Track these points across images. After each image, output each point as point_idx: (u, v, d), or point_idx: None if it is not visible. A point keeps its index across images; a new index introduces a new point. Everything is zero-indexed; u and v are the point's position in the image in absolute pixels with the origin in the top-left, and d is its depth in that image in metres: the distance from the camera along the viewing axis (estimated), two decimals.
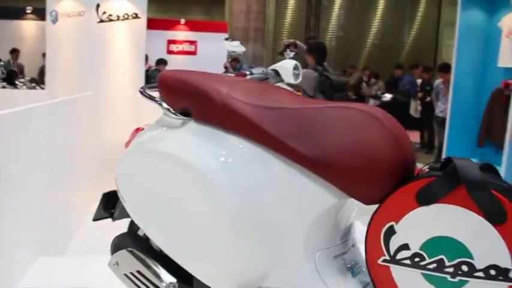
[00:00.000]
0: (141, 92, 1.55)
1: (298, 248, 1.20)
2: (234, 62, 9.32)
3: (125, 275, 1.55)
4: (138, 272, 1.50)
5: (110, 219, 1.89)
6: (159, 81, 1.48)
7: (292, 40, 5.58)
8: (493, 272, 1.00)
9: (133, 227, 1.80)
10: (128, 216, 1.81)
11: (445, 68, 6.22)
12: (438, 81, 6.66)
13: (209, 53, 11.28)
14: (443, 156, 5.46)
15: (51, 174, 2.84)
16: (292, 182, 1.19)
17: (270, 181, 1.21)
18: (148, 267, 1.49)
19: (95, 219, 1.88)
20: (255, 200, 1.21)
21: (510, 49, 4.81)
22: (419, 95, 7.35)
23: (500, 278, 1.00)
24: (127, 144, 1.76)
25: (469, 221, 1.02)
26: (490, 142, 5.18)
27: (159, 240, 1.45)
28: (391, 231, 1.11)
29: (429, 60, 16.24)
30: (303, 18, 14.42)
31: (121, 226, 1.81)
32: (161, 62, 9.42)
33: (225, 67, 9.59)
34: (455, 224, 1.04)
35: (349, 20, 15.50)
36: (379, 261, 1.13)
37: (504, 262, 0.99)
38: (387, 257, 1.12)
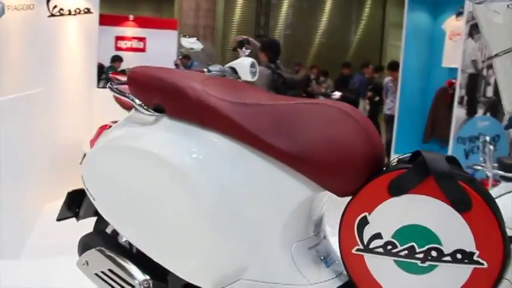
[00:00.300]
0: (110, 89, 1.53)
1: (276, 240, 1.24)
2: (185, 60, 9.23)
3: (96, 274, 1.53)
4: (110, 270, 1.49)
5: (73, 219, 1.85)
6: (130, 78, 1.48)
7: (245, 37, 5.61)
8: (459, 256, 1.08)
9: (100, 225, 1.78)
10: (93, 215, 1.79)
11: (394, 66, 6.44)
12: (387, 79, 6.89)
13: (158, 50, 11.11)
14: (392, 152, 5.66)
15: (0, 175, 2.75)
16: (269, 177, 1.23)
17: (247, 176, 1.24)
18: (120, 265, 1.48)
19: (59, 219, 1.84)
20: (232, 196, 1.24)
21: (453, 50, 5.06)
22: (368, 94, 7.57)
23: (466, 261, 1.08)
24: (92, 142, 1.74)
25: (438, 210, 1.10)
26: (435, 139, 5.43)
27: (134, 239, 1.44)
28: (364, 222, 1.17)
29: (375, 59, 16.70)
30: (252, 16, 14.48)
31: (79, 226, 1.78)
32: (117, 58, 9.19)
33: (176, 64, 9.49)
34: (424, 213, 1.11)
35: (297, 19, 15.68)
36: (353, 251, 1.19)
37: (469, 247, 1.08)
38: (361, 246, 1.18)
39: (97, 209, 1.52)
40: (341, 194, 1.21)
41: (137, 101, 1.39)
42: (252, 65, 3.40)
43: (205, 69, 3.23)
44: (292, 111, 1.25)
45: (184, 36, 3.27)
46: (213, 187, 1.23)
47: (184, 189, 1.25)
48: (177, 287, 1.39)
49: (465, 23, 4.45)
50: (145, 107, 1.38)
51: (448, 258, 1.09)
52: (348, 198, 1.21)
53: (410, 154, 1.20)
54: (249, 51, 4.00)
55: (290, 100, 1.31)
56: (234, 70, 3.33)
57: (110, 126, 1.68)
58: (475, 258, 1.07)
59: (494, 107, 4.66)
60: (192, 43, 3.25)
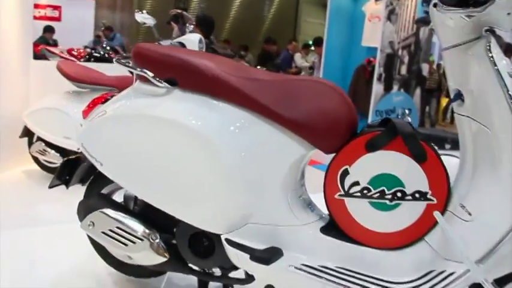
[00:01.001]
0: (118, 62, 1.72)
1: (276, 190, 1.55)
2: (107, 31, 9.09)
3: (103, 232, 1.73)
4: (118, 227, 1.70)
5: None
6: (138, 53, 1.66)
7: (179, 11, 5.72)
8: (417, 195, 1.46)
9: (92, 191, 1.94)
10: (80, 182, 1.96)
11: (319, 42, 6.76)
12: (315, 56, 7.22)
13: (74, 20, 10.74)
14: None
15: None
16: (273, 139, 1.53)
17: (255, 139, 1.53)
18: (126, 222, 1.69)
19: (51, 186, 1.99)
20: (244, 155, 1.52)
21: (372, 31, 5.53)
22: (292, 70, 7.89)
23: (422, 198, 1.46)
24: (85, 113, 1.89)
25: (403, 162, 1.46)
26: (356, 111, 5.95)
27: (147, 196, 1.65)
28: (345, 173, 1.51)
29: (289, 34, 17.24)
30: None
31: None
32: (48, 29, 8.67)
33: (97, 36, 9.30)
34: (393, 164, 1.47)
35: None
36: (336, 196, 1.52)
37: (425, 188, 1.45)
38: (342, 192, 1.52)
39: (104, 173, 1.71)
40: (328, 152, 1.54)
41: (150, 73, 1.59)
42: (200, 41, 3.60)
43: (156, 44, 3.39)
44: (290, 85, 1.55)
45: (138, 11, 3.39)
46: (228, 147, 1.50)
47: (203, 150, 1.51)
48: (184, 237, 1.65)
49: (384, 7, 4.91)
50: (158, 79, 1.58)
51: (409, 197, 1.46)
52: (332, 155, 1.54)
53: (379, 120, 1.55)
54: (192, 26, 4.16)
55: (284, 76, 1.61)
56: (182, 45, 3.51)
57: (106, 99, 1.84)
58: (428, 196, 1.45)
59: (407, 84, 5.23)
60: (145, 18, 3.38)
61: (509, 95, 1.31)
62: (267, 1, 17.27)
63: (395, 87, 5.18)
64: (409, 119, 3.54)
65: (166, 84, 1.58)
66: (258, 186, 1.53)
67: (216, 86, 1.53)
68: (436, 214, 1.42)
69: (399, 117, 4.57)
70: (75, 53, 6.31)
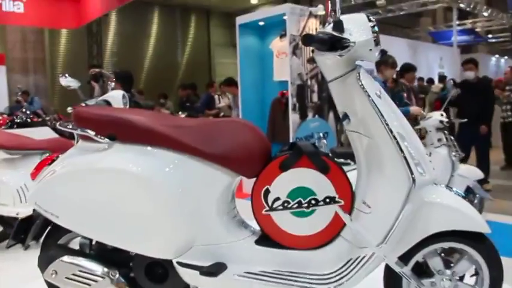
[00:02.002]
0: (60, 126, 1.96)
1: (213, 215, 1.85)
2: (25, 95, 9.07)
3: (67, 278, 1.93)
4: (80, 271, 1.91)
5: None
6: (78, 116, 1.92)
7: (98, 70, 5.93)
8: (327, 200, 1.81)
9: (48, 243, 2.12)
10: (34, 239, 2.14)
11: (230, 82, 7.18)
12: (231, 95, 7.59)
13: None
14: None
15: None
16: (204, 172, 1.83)
17: (188, 175, 1.83)
18: (86, 266, 1.91)
19: (8, 246, 2.16)
20: (180, 190, 1.81)
21: (281, 66, 6.00)
22: (212, 111, 8.17)
23: (332, 202, 1.81)
24: (34, 174, 2.08)
25: (311, 175, 1.82)
26: (277, 142, 6.32)
27: (103, 238, 1.89)
28: (267, 191, 1.84)
29: (205, 77, 17.73)
30: (81, 46, 14.30)
31: None
32: None
33: (17, 101, 9.24)
34: (303, 178, 1.82)
35: (124, 46, 15.77)
36: (263, 212, 1.85)
37: (332, 193, 1.81)
38: (267, 208, 1.85)
39: (61, 224, 1.92)
40: (250, 176, 1.87)
41: (91, 132, 1.85)
42: (123, 96, 3.85)
43: (83, 104, 3.60)
44: (210, 126, 1.88)
45: (62, 76, 3.59)
46: (165, 186, 1.79)
47: (145, 191, 1.78)
48: (140, 268, 1.90)
49: (288, 44, 5.42)
50: (99, 136, 1.84)
51: (322, 203, 1.82)
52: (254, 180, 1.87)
53: (288, 146, 1.91)
54: (113, 83, 4.40)
55: (204, 120, 1.93)
56: (107, 102, 3.74)
57: (52, 160, 2.04)
58: (336, 199, 1.81)
59: (320, 110, 5.74)
60: (69, 81, 3.58)
61: (379, 110, 1.72)
62: (180, 48, 17.65)
63: (310, 115, 5.67)
64: (325, 142, 3.97)
65: (107, 140, 1.85)
66: (196, 214, 1.83)
67: (149, 135, 1.82)
68: (337, 209, 1.78)
69: (316, 141, 5.01)
70: None
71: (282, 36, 5.81)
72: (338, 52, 1.69)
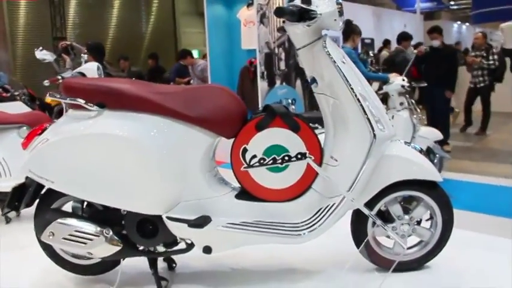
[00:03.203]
0: (50, 96, 2.09)
1: (196, 172, 2.03)
2: None
3: (64, 238, 2.08)
4: (76, 231, 2.06)
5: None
6: (67, 86, 2.05)
7: (68, 42, 5.92)
8: (299, 156, 2.02)
9: (42, 207, 2.26)
10: (28, 205, 2.28)
11: (185, 54, 7.52)
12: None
13: None
14: None
15: None
16: (187, 134, 2.01)
17: (173, 137, 2.00)
18: (81, 226, 2.07)
19: (3, 214, 2.30)
20: (166, 151, 1.98)
21: (248, 35, 6.11)
22: (184, 80, 8.23)
23: (302, 158, 2.02)
24: (25, 144, 2.20)
25: (284, 134, 2.03)
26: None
27: (97, 198, 2.05)
28: (245, 150, 2.03)
29: (170, 46, 17.55)
30: (43, 18, 13.93)
31: None
32: None
33: None
34: (277, 136, 2.03)
35: (87, 17, 15.44)
36: (241, 169, 2.04)
37: (303, 149, 2.02)
38: (245, 165, 2.04)
39: (56, 189, 2.06)
40: (229, 137, 2.06)
41: (82, 100, 1.99)
42: (98, 68, 3.95)
43: (59, 77, 3.69)
44: (190, 92, 2.05)
45: (37, 49, 3.65)
46: (153, 148, 1.96)
47: (135, 152, 1.95)
48: (132, 225, 2.07)
49: (256, 13, 5.54)
50: (89, 104, 1.98)
51: (294, 159, 2.02)
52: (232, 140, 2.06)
53: (262, 109, 2.09)
54: (86, 56, 4.46)
55: (187, 87, 2.10)
56: (83, 74, 3.83)
57: (41, 131, 2.16)
58: (307, 155, 2.01)
59: (288, 77, 5.91)
60: (45, 54, 3.65)
61: (344, 74, 1.92)
62: (144, 17, 17.35)
63: (278, 82, 5.82)
64: (293, 107, 4.16)
65: (97, 107, 1.99)
66: (182, 172, 2.01)
67: (137, 102, 1.98)
68: (309, 161, 1.99)
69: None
70: None
71: (249, 5, 5.93)
72: (306, 22, 1.87)
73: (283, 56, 5.84)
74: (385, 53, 10.06)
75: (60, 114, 7.75)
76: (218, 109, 2.02)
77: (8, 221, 3.54)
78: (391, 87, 4.58)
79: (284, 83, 5.89)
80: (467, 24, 21.67)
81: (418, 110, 4.68)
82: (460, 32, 21.40)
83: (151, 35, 17.38)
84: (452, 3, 22.30)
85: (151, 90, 2.01)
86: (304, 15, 1.85)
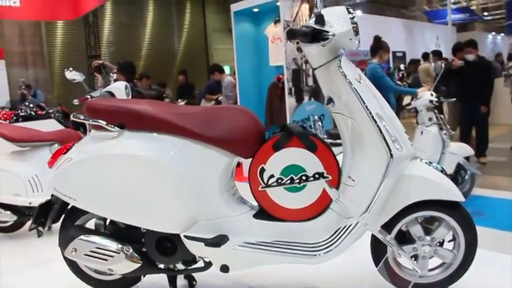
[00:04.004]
0: (74, 117, 2.16)
1: (214, 192, 2.06)
2: (28, 88, 9.26)
3: (86, 254, 2.14)
4: (97, 248, 2.12)
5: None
6: (90, 108, 2.12)
7: (101, 61, 6.09)
8: (317, 176, 2.01)
9: (66, 224, 2.33)
10: (54, 222, 2.35)
11: (212, 69, 7.61)
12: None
13: None
14: None
15: None
16: (205, 154, 2.04)
17: (191, 157, 2.03)
18: (103, 243, 2.12)
19: (30, 229, 2.38)
20: (185, 171, 2.01)
21: (276, 51, 6.16)
22: (214, 96, 8.33)
23: (320, 177, 2.01)
24: (51, 163, 2.28)
25: (301, 153, 2.03)
26: (275, 125, 6.49)
27: (119, 217, 2.10)
28: (262, 170, 2.04)
29: (202, 63, 17.84)
30: (79, 38, 14.38)
31: None
32: None
33: (23, 94, 9.43)
34: (294, 156, 2.03)
35: (121, 36, 15.83)
36: (259, 189, 2.05)
37: (321, 169, 2.01)
38: (263, 185, 2.05)
39: (78, 206, 2.13)
40: (247, 157, 2.07)
41: (103, 122, 2.05)
42: (126, 87, 4.04)
43: (88, 96, 3.80)
44: (209, 113, 2.08)
45: (67, 70, 3.77)
46: (173, 168, 2.00)
47: (154, 172, 1.99)
48: (152, 242, 2.11)
49: (283, 30, 5.58)
50: (110, 125, 2.04)
51: (312, 178, 2.02)
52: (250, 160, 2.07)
53: (280, 129, 2.11)
54: (115, 75, 4.58)
55: (205, 107, 2.13)
56: (111, 94, 3.93)
57: (67, 149, 2.24)
58: (325, 175, 2.01)
59: (316, 93, 5.91)
60: (74, 75, 3.77)
61: (359, 94, 1.92)
62: (176, 35, 17.70)
63: (306, 98, 5.83)
64: (320, 124, 4.15)
65: (117, 128, 2.05)
66: (200, 192, 2.04)
67: (155, 123, 2.03)
68: (323, 183, 1.98)
69: (312, 124, 5.20)
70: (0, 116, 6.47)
71: (276, 22, 5.96)
72: (320, 43, 1.88)
73: (310, 71, 5.85)
74: (424, 66, 9.99)
75: None
76: (236, 129, 2.05)
77: (39, 235, 3.66)
78: (419, 102, 4.53)
79: (312, 99, 5.89)
80: (502, 34, 21.25)
81: (448, 126, 4.61)
82: (495, 43, 21.03)
83: (183, 51, 17.73)
84: (485, 13, 21.94)
85: (170, 111, 2.06)
86: (318, 35, 1.86)
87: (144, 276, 2.25)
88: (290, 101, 5.70)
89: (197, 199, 2.04)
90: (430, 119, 4.54)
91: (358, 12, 14.08)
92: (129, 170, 2.01)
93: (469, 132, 6.26)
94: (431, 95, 4.54)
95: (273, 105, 6.38)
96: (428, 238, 2.13)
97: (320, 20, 1.88)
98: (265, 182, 2.05)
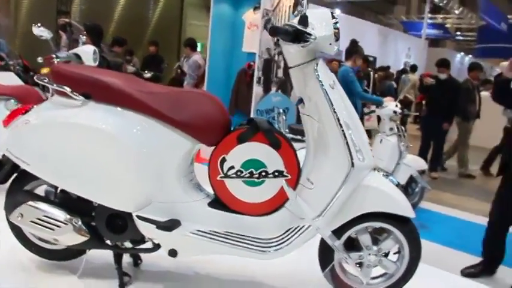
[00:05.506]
0: (37, 79, 2.07)
1: (172, 175, 2.03)
2: None
3: (32, 221, 2.08)
4: (45, 216, 2.06)
5: None
6: (56, 72, 2.04)
7: (67, 20, 5.89)
8: (276, 173, 2.02)
9: (15, 187, 2.24)
10: (2, 183, 2.26)
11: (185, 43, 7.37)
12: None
13: None
14: None
15: None
16: (168, 136, 2.01)
17: (154, 137, 1.99)
18: (51, 211, 2.07)
19: None
20: (146, 150, 1.97)
21: (251, 38, 6.11)
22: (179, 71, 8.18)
23: (280, 175, 2.02)
24: (6, 122, 2.19)
25: (264, 150, 2.02)
26: (239, 111, 6.47)
27: (72, 188, 2.05)
28: (223, 160, 2.03)
29: (174, 37, 17.48)
30: None
31: None
32: None
33: None
34: (257, 151, 2.03)
35: None
36: (218, 178, 2.04)
37: (281, 167, 2.02)
38: (222, 175, 2.04)
39: (31, 171, 2.05)
40: (209, 145, 2.06)
41: (68, 89, 1.98)
42: (94, 52, 3.92)
43: (53, 56, 3.66)
44: (178, 95, 2.04)
45: (35, 25, 3.62)
46: (133, 145, 1.95)
47: (114, 147, 1.95)
48: (102, 218, 2.07)
49: (261, 18, 5.54)
50: (75, 94, 1.98)
51: (271, 175, 2.02)
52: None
53: (247, 121, 2.09)
54: (84, 37, 4.43)
55: (174, 89, 2.09)
56: (78, 56, 3.81)
57: (26, 110, 2.15)
58: (284, 173, 2.02)
59: (284, 85, 5.91)
60: (42, 31, 3.62)
61: (330, 99, 1.93)
62: (151, 3, 17.26)
63: (273, 89, 5.83)
64: (284, 118, 4.17)
65: (82, 98, 1.98)
66: (158, 174, 2.01)
67: (123, 98, 1.98)
68: (283, 183, 2.00)
69: (276, 116, 5.21)
70: None
71: (256, 8, 5.92)
72: (301, 44, 1.87)
73: (282, 64, 5.84)
74: (413, 78, 10.22)
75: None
76: (203, 116, 2.02)
77: None
78: (383, 111, 4.61)
79: (279, 91, 5.90)
80: (470, 56, 21.89)
81: (406, 137, 4.72)
82: (462, 63, 21.63)
83: (156, 22, 17.23)
84: (458, 33, 22.52)
85: (140, 88, 2.01)
86: (299, 36, 1.85)
87: (89, 250, 2.21)
88: (257, 90, 5.68)
89: (154, 180, 2.01)
90: (391, 129, 4.63)
91: (337, 11, 14.17)
92: (90, 142, 1.96)
93: (429, 146, 6.46)
94: (396, 105, 4.63)
95: (239, 91, 6.36)
96: (375, 248, 2.18)
97: (304, 21, 1.87)
98: (225, 172, 2.04)
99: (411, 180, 4.62)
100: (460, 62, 21.88)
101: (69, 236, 2.07)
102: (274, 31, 1.88)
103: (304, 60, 1.96)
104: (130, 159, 1.96)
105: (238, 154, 2.02)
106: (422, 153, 6.20)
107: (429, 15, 15.74)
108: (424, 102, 7.24)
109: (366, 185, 2.04)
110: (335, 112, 1.93)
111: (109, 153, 1.96)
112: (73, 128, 1.98)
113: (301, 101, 2.04)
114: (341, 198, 1.98)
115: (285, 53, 2.02)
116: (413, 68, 12.01)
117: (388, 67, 11.67)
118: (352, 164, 1.96)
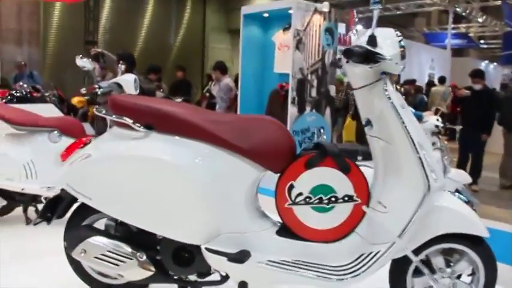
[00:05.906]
0: (96, 111, 2.06)
1: (240, 205, 1.98)
2: (24, 67, 9.03)
3: (96, 257, 2.04)
4: (109, 251, 2.02)
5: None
6: (115, 103, 2.02)
7: (99, 50, 5.95)
8: (346, 198, 1.96)
9: (74, 223, 2.21)
10: (59, 217, 2.24)
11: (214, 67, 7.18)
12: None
13: None
14: None
15: None
16: (235, 165, 1.96)
17: (220, 166, 1.95)
18: (115, 247, 2.02)
19: (35, 223, 2.26)
20: (212, 180, 1.93)
21: (282, 59, 6.10)
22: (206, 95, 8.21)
23: (350, 200, 1.95)
24: (65, 156, 2.18)
25: (333, 174, 1.96)
26: None
27: (137, 222, 2.00)
28: (291, 186, 1.98)
29: (197, 61, 17.67)
30: (77, 21, 14.05)
31: None
32: None
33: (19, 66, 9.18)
34: (326, 176, 1.96)
35: (118, 24, 15.52)
36: (286, 205, 1.99)
37: (351, 192, 1.95)
38: (290, 202, 1.98)
39: (93, 206, 2.02)
40: (276, 171, 2.00)
41: (129, 120, 1.95)
42: (135, 81, 3.94)
43: (96, 86, 3.68)
44: (242, 123, 2.00)
45: (78, 56, 3.66)
46: (199, 176, 1.91)
47: (180, 179, 1.90)
48: (168, 252, 2.02)
49: (292, 38, 5.53)
50: (137, 125, 1.95)
51: (341, 200, 1.96)
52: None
53: (313, 145, 2.04)
54: (124, 66, 4.46)
55: (238, 117, 2.06)
56: (119, 85, 3.82)
57: (84, 143, 2.14)
58: (354, 198, 1.95)
59: (318, 105, 5.88)
60: (84, 62, 3.66)
61: (402, 119, 1.86)
62: (173, 30, 17.50)
63: (307, 109, 5.79)
64: (325, 137, 4.13)
65: (145, 129, 1.95)
66: (225, 204, 1.96)
67: (187, 128, 1.94)
68: (364, 208, 1.93)
69: (315, 135, 5.16)
70: None
71: (285, 29, 5.92)
72: (370, 65, 1.83)
73: (315, 83, 5.82)
74: (437, 89, 10.11)
75: (83, 116, 7.80)
76: (268, 142, 1.98)
77: (28, 222, 3.53)
78: (424, 125, 4.50)
79: (314, 110, 5.86)
80: (494, 64, 21.57)
81: (449, 151, 4.60)
82: (487, 71, 21.29)
83: (179, 47, 17.49)
84: (482, 41, 22.25)
85: (204, 118, 1.97)
86: (370, 57, 1.81)
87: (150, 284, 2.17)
88: (292, 110, 5.65)
89: (222, 210, 1.96)
90: (433, 144, 4.50)
91: (359, 27, 14.13)
92: (154, 174, 1.92)
93: (467, 159, 6.32)
94: (437, 119, 4.52)
95: (273, 112, 6.31)
96: (448, 270, 2.08)
97: (373, 41, 1.82)
98: (293, 199, 1.98)
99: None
100: (485, 70, 21.54)
101: (134, 271, 2.02)
102: (349, 53, 1.83)
103: (371, 81, 1.91)
104: (196, 191, 1.91)
105: (307, 180, 1.97)
106: (460, 166, 6.06)
107: (452, 26, 15.61)
108: (457, 113, 7.10)
109: (439, 206, 1.96)
110: (409, 133, 1.87)
111: (174, 185, 1.92)
112: (136, 160, 1.94)
113: (368, 122, 1.98)
114: (417, 222, 1.90)
115: (349, 75, 1.97)
116: (442, 80, 11.87)
117: (414, 80, 11.56)
118: (429, 186, 1.89)
